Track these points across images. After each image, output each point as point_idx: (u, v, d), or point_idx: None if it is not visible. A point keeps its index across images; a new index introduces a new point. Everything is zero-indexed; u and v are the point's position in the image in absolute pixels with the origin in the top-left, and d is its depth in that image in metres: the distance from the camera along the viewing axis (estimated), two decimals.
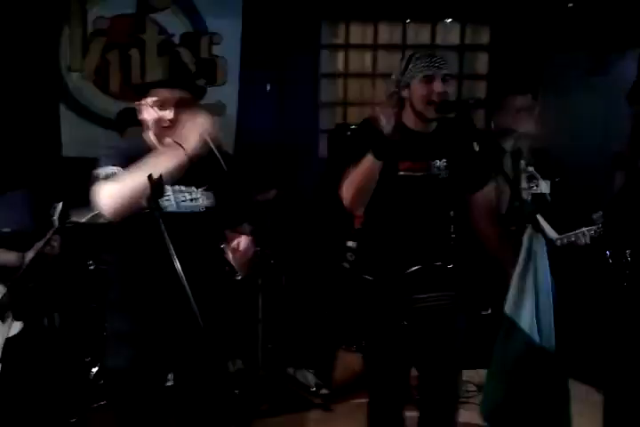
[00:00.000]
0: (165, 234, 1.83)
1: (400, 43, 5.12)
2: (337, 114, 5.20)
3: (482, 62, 5.23)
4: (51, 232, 2.92)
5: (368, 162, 2.34)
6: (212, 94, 4.73)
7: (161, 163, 1.99)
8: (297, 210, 4.49)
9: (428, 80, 2.41)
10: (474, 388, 4.07)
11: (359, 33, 5.16)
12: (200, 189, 2.23)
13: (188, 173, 2.08)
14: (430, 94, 2.41)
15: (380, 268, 2.54)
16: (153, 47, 4.55)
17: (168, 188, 2.11)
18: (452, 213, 2.69)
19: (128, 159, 2.07)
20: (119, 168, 2.11)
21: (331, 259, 2.89)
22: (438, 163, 2.54)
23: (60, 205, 2.95)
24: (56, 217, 2.91)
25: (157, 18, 4.51)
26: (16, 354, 2.98)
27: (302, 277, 4.11)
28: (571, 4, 4.49)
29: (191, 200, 2.21)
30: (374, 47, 5.14)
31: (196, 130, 2.00)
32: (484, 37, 5.18)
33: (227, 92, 4.77)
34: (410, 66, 2.44)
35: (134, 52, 4.52)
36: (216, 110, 4.75)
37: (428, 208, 2.55)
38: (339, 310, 2.60)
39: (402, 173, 2.51)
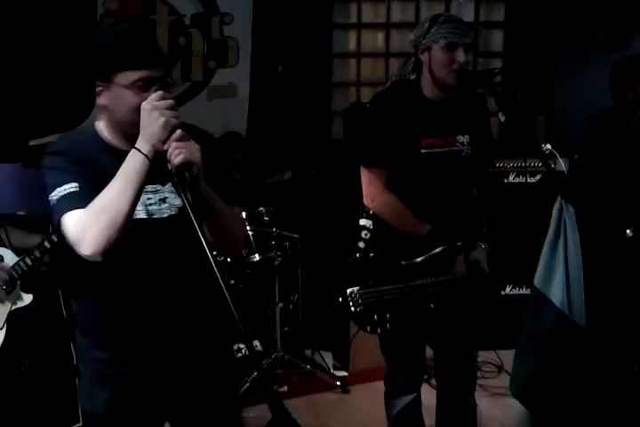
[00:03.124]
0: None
1: (413, 21, 5.03)
2: (350, 94, 5.13)
3: (497, 39, 5.14)
4: None
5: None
6: (224, 76, 4.68)
7: (131, 176, 1.59)
8: (311, 191, 4.45)
9: (451, 47, 2.33)
10: (494, 369, 4.04)
11: (371, 12, 5.08)
12: (167, 186, 1.77)
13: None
14: (452, 62, 2.33)
15: (401, 250, 2.50)
16: (164, 28, 4.47)
17: None
18: (474, 190, 2.64)
19: (83, 166, 1.66)
20: (77, 184, 1.63)
21: (345, 238, 2.84)
22: (461, 138, 2.48)
23: None
24: None
25: None
26: (25, 325, 2.97)
27: (318, 258, 4.07)
28: None
29: (161, 201, 1.76)
30: (387, 26, 5.07)
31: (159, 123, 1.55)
32: (499, 14, 5.09)
33: (238, 74, 4.71)
34: (433, 29, 2.35)
35: None
36: (228, 92, 4.70)
37: (452, 186, 2.50)
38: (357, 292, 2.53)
39: (424, 150, 2.44)
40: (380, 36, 5.12)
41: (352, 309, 2.48)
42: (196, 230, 1.51)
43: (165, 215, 1.77)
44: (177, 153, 1.56)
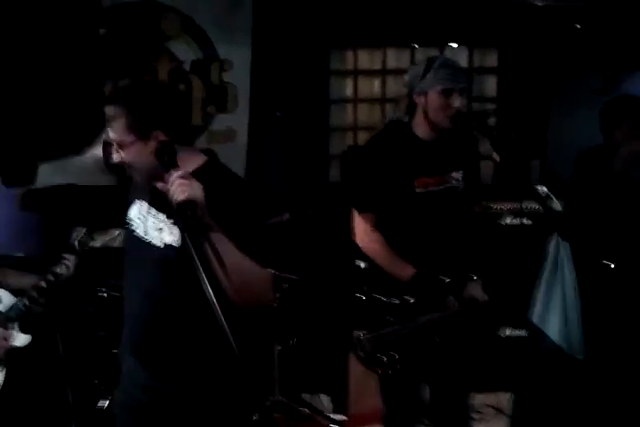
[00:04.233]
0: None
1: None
2: (347, 138, 5.20)
3: (491, 85, 5.24)
4: (69, 255, 2.91)
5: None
6: (223, 121, 4.75)
7: None
8: (309, 233, 4.46)
9: (447, 93, 2.40)
10: (492, 411, 3.99)
11: (367, 59, 5.19)
12: (169, 220, 1.81)
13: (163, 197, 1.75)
14: (448, 107, 2.41)
15: (401, 289, 2.50)
16: (164, 75, 4.57)
17: (144, 205, 1.86)
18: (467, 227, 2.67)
19: None
20: None
21: (343, 280, 2.84)
22: (456, 175, 2.52)
23: (84, 230, 2.94)
24: (76, 241, 2.90)
25: (168, 45, 4.54)
26: (22, 366, 2.96)
27: (317, 300, 4.06)
28: (578, 26, 4.51)
29: (157, 230, 1.83)
30: (383, 72, 5.17)
31: None
32: (492, 60, 5.20)
33: (237, 119, 4.78)
34: (429, 74, 2.42)
35: None
36: (227, 136, 4.77)
37: (448, 223, 2.53)
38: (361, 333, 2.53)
39: (419, 190, 2.48)
40: (377, 82, 5.22)
41: (360, 353, 2.48)
42: (188, 271, 1.60)
43: (154, 242, 1.84)
44: (180, 191, 1.61)
